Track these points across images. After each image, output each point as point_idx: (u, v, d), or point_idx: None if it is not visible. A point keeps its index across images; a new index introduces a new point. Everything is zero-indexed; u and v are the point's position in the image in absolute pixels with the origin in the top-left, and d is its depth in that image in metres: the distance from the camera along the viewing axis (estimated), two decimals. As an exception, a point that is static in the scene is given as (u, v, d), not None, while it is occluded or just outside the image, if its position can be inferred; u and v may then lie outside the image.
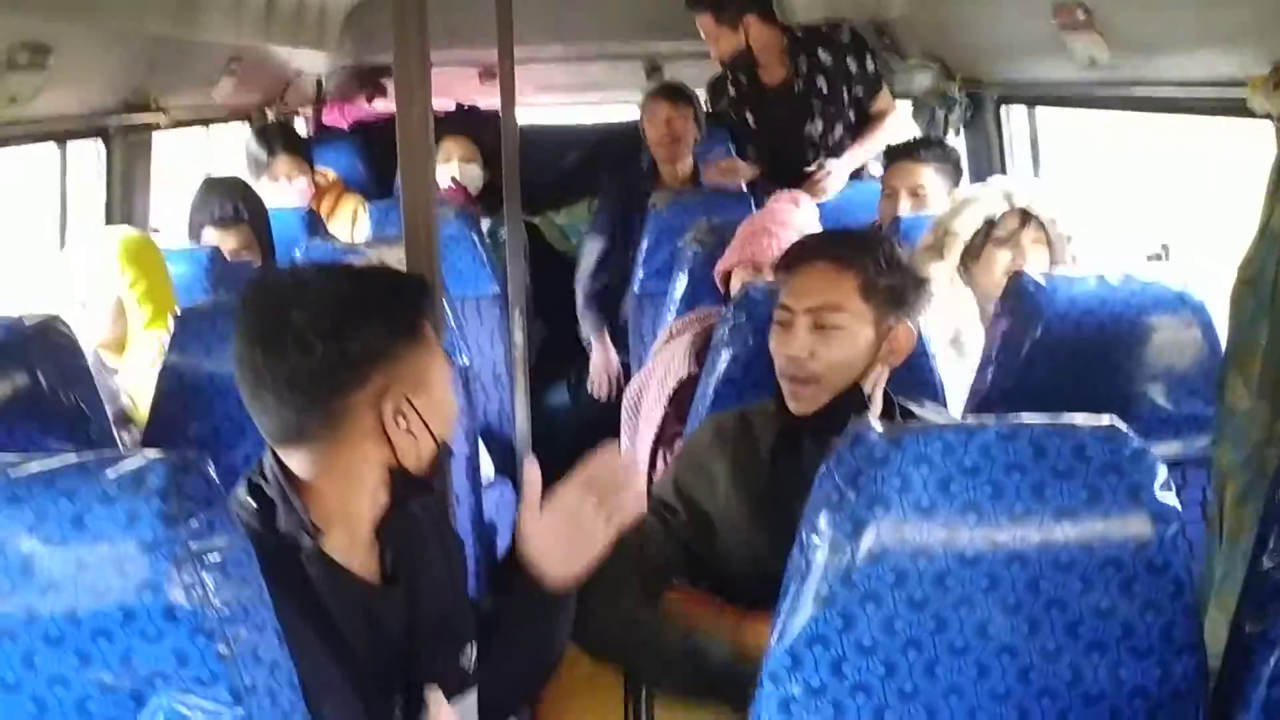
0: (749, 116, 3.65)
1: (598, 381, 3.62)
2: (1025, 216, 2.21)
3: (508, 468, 3.14)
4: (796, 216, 2.46)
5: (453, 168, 3.70)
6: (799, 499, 1.61)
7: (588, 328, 3.66)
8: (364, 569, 1.32)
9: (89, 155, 2.83)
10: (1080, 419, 1.09)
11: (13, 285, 2.20)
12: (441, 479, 1.51)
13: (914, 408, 1.69)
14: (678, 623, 1.57)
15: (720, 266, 2.46)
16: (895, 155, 2.94)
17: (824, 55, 3.50)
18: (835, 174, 3.46)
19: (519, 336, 3.22)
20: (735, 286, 2.38)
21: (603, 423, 3.48)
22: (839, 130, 3.54)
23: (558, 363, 3.95)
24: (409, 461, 1.30)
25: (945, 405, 1.83)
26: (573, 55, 4.70)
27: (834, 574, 1.05)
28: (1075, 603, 1.05)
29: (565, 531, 1.38)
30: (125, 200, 2.93)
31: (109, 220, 2.88)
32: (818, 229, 2.46)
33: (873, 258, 1.63)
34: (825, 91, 3.51)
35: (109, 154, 2.85)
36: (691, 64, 4.53)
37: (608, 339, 3.62)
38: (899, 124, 3.52)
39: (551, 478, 3.42)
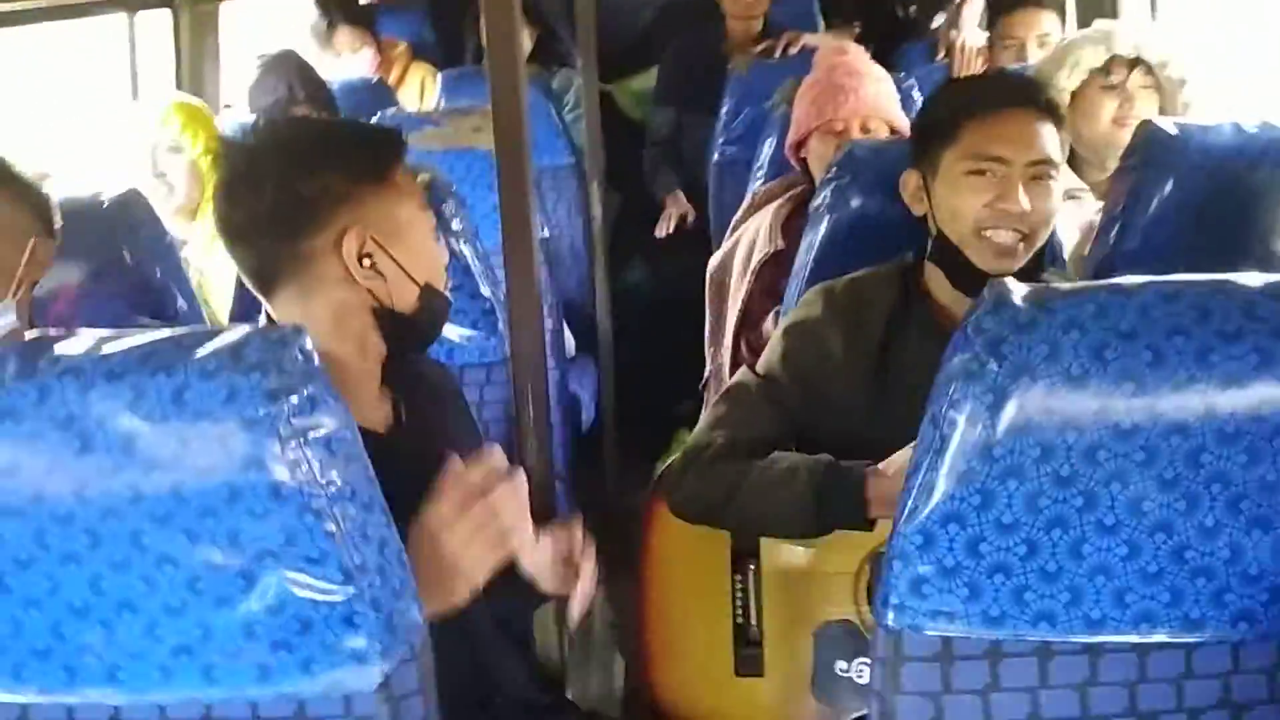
0: None
1: (664, 222, 3.44)
2: (1134, 63, 2.06)
3: (589, 342, 3.10)
4: (862, 64, 2.30)
5: (516, 33, 3.56)
6: (920, 369, 1.55)
7: (659, 189, 3.52)
8: (365, 419, 1.29)
9: (158, 29, 2.76)
10: (1249, 277, 0.98)
11: (86, 161, 2.16)
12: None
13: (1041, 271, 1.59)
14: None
15: (793, 136, 2.32)
16: (1016, 1, 2.74)
17: None
18: (970, 42, 3.12)
19: (597, 209, 3.14)
20: (814, 156, 2.25)
21: (682, 296, 3.41)
22: None
23: (634, 235, 3.86)
24: (389, 303, 1.30)
25: (1065, 268, 1.72)
26: None
27: (972, 449, 0.98)
28: (1239, 476, 0.97)
29: (432, 554, 1.16)
30: (195, 75, 2.87)
31: (179, 95, 2.81)
32: (886, 74, 2.31)
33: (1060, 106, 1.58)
34: None
35: (175, 25, 2.77)
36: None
37: (681, 195, 3.47)
38: None
39: (629, 353, 3.38)
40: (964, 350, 0.99)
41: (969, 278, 1.53)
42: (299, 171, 1.26)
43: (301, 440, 0.96)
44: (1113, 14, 2.86)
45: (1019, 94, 1.57)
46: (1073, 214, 1.87)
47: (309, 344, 1.00)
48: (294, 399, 0.96)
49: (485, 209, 2.21)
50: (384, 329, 1.31)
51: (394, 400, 1.38)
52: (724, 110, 3.17)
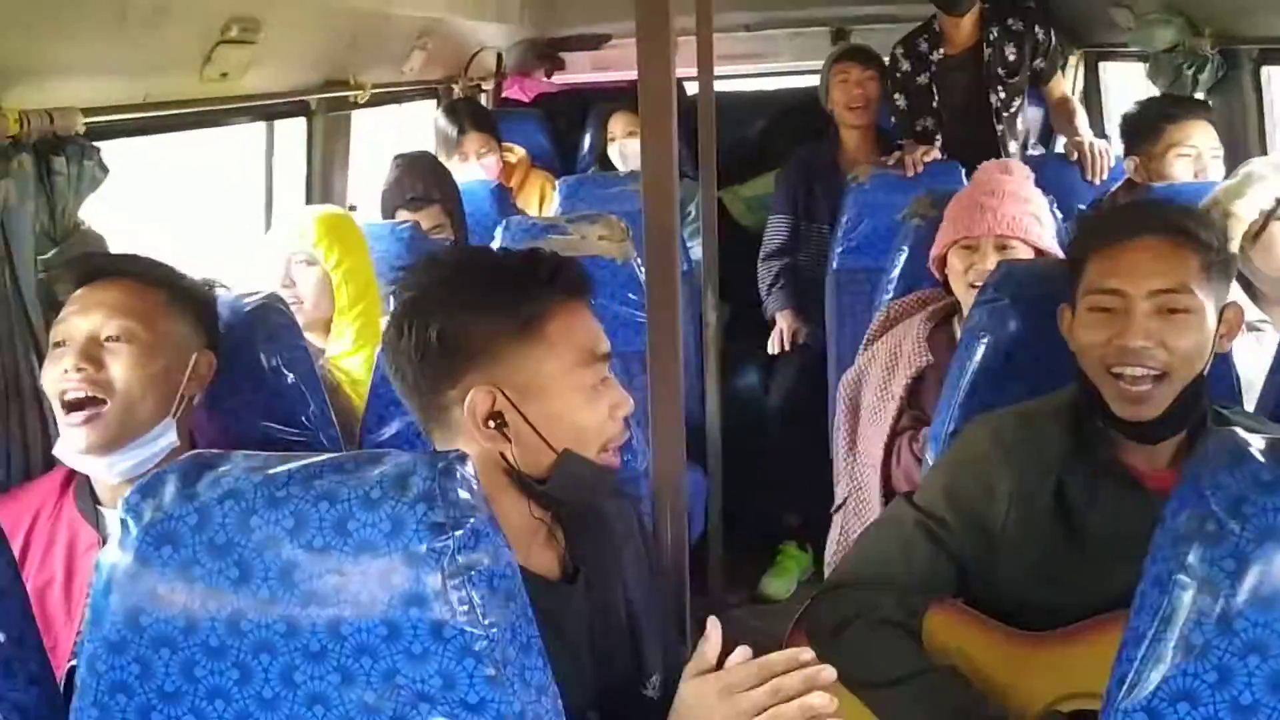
0: (933, 88, 3.43)
1: (775, 339, 3.41)
2: None
3: (697, 453, 3.02)
4: (1011, 184, 2.24)
5: (617, 145, 3.60)
6: (1103, 516, 1.43)
7: (772, 307, 3.49)
8: (532, 564, 1.21)
9: (292, 135, 2.82)
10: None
11: (222, 265, 2.18)
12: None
13: (1223, 410, 1.47)
14: (943, 651, 1.41)
15: (935, 250, 2.26)
16: (1186, 112, 2.68)
17: (1014, 22, 3.34)
18: (1097, 145, 3.19)
19: (712, 315, 3.10)
20: (953, 270, 2.19)
21: (793, 407, 3.33)
22: (1018, 103, 3.38)
23: (745, 344, 3.79)
24: (518, 467, 1.20)
25: (1243, 404, 1.60)
26: (757, 22, 4.54)
27: (1209, 619, 0.87)
28: None
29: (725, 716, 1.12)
30: (325, 178, 2.92)
31: (309, 199, 2.86)
32: (1036, 196, 2.24)
33: (1206, 229, 1.43)
34: (1011, 59, 3.34)
35: (310, 131, 2.83)
36: (879, 29, 4.32)
37: (791, 315, 3.44)
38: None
39: (740, 464, 3.27)
40: (1196, 506, 0.89)
41: (1118, 421, 1.41)
42: (439, 319, 1.18)
43: (465, 577, 0.90)
44: (1260, 139, 2.75)
45: (1145, 222, 1.44)
46: (1253, 348, 1.75)
47: (473, 473, 0.95)
48: (460, 533, 0.90)
49: (608, 319, 2.16)
50: (522, 490, 1.21)
51: (565, 547, 1.28)
52: (844, 220, 3.12)
